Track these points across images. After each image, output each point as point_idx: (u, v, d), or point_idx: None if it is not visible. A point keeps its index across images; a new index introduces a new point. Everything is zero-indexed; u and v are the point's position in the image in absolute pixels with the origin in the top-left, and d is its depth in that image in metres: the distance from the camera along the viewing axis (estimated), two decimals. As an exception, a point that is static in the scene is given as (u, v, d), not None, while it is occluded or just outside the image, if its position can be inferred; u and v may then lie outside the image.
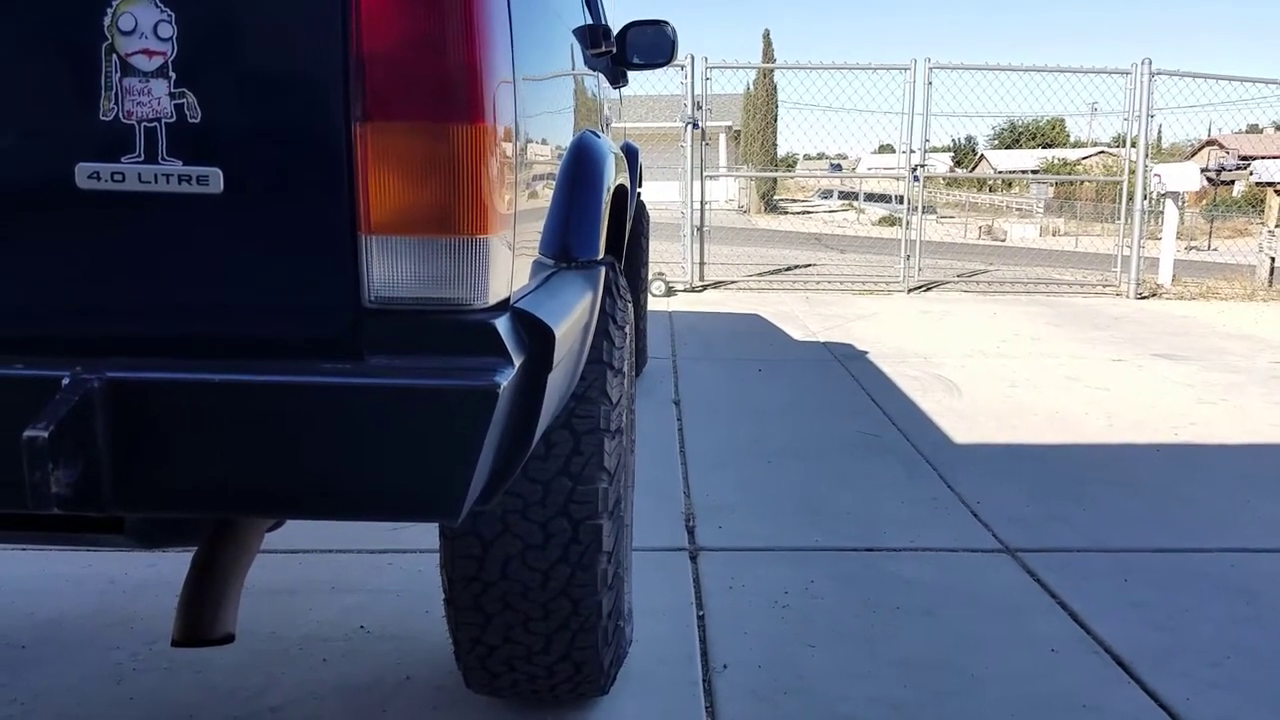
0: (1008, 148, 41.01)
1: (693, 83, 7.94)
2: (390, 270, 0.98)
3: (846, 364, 5.14)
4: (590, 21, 2.21)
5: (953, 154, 39.91)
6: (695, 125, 8.01)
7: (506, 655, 1.58)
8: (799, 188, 34.07)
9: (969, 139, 41.30)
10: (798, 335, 6.11)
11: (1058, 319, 7.04)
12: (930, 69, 8.10)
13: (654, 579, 2.37)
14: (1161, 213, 9.01)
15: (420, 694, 1.85)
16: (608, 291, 1.62)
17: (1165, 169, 8.85)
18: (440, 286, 1.00)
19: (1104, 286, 8.78)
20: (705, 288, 8.32)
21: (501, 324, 1.02)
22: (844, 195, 30.31)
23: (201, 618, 1.11)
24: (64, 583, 2.31)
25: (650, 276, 7.65)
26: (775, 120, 22.99)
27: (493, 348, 1.00)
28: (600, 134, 2.06)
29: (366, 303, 0.99)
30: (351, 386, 0.95)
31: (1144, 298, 8.41)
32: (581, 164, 1.54)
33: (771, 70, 16.68)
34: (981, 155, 40.27)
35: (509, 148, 1.06)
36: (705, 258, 8.42)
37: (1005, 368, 5.14)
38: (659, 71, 8.32)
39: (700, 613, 2.23)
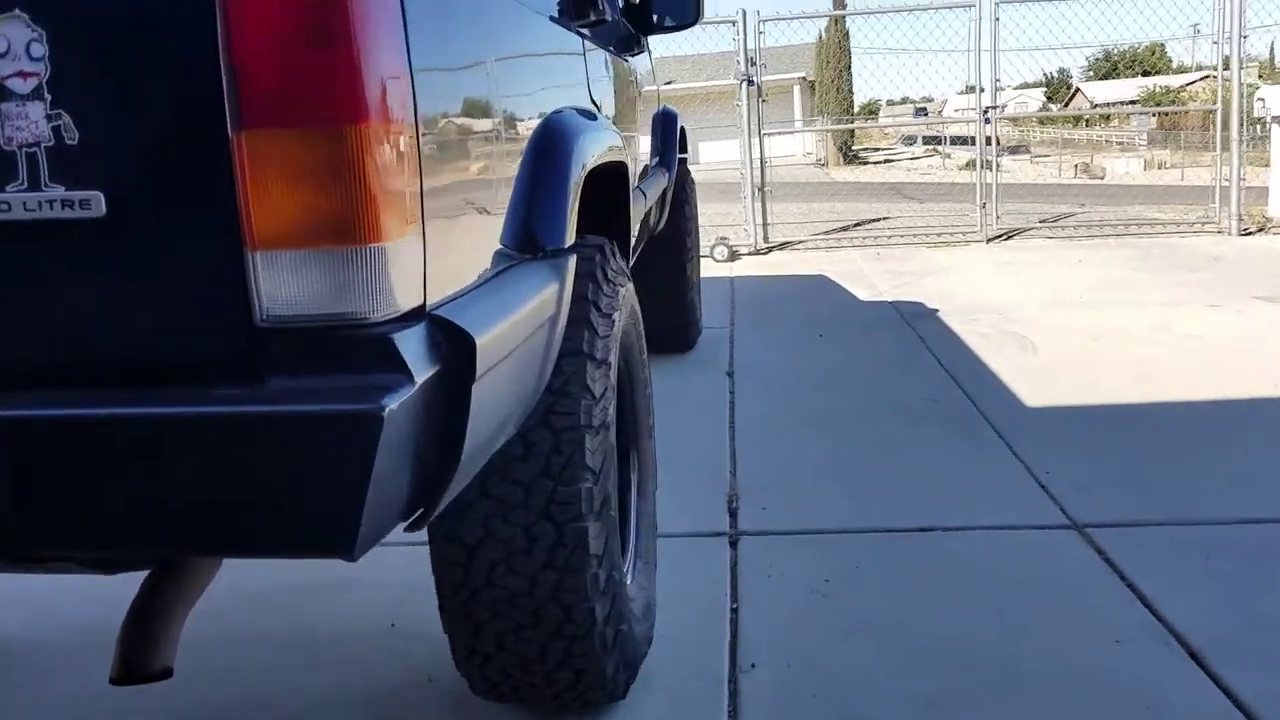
0: (1104, 78, 38.59)
1: (745, 38, 7.65)
2: (280, 286, 0.91)
3: (914, 324, 4.90)
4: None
5: (1045, 89, 37.84)
6: (750, 82, 7.73)
7: (502, 663, 1.53)
8: (881, 135, 32.84)
9: (1062, 71, 38.99)
10: (864, 295, 5.87)
11: (1149, 263, 6.57)
12: (996, 3, 7.61)
13: (690, 566, 2.29)
14: (1269, 139, 8.27)
15: (440, 697, 1.82)
16: (590, 278, 1.53)
17: (1271, 91, 8.12)
18: (335, 300, 0.92)
19: (1204, 224, 8.14)
20: (770, 249, 8.08)
21: (403, 337, 0.94)
22: (928, 140, 29.13)
23: (140, 653, 1.09)
24: (81, 590, 2.35)
25: (712, 241, 7.47)
26: (849, 68, 22.12)
27: (390, 363, 0.92)
28: (594, 110, 1.94)
29: (259, 322, 0.93)
30: (222, 417, 0.88)
31: (1248, 233, 7.76)
32: (546, 147, 1.44)
33: (839, 17, 16.04)
34: (1077, 88, 38.03)
35: (407, 145, 0.97)
36: (769, 218, 8.17)
37: (1087, 319, 4.81)
38: (711, 28, 8.11)
39: (734, 605, 2.13)
